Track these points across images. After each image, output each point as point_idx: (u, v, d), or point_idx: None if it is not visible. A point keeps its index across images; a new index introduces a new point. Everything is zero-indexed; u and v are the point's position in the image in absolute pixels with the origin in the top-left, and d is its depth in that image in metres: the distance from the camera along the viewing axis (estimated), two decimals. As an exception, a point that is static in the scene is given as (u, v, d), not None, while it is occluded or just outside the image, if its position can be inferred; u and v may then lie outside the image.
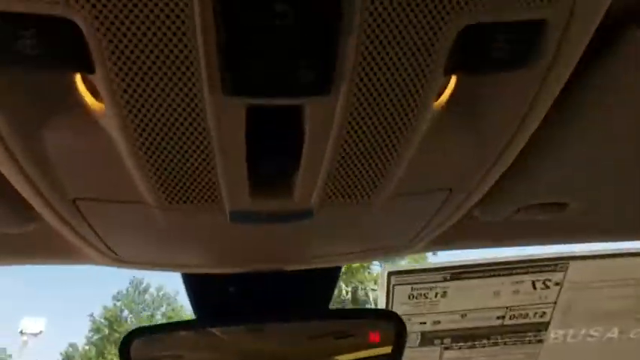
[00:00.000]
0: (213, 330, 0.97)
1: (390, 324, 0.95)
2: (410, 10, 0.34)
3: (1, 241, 0.68)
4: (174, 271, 0.87)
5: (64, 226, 0.57)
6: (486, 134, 0.49)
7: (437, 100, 0.44)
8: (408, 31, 0.35)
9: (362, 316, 1.09)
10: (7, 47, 0.33)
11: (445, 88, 0.44)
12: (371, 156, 0.45)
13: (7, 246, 0.71)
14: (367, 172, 0.48)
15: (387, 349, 0.94)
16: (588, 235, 0.92)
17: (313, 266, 0.82)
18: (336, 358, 0.96)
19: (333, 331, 0.99)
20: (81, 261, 0.79)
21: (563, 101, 0.47)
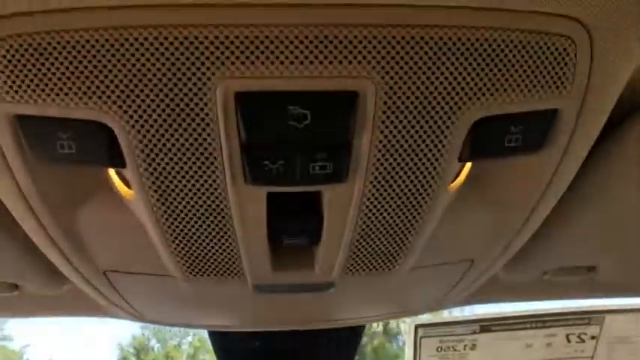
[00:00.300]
0: None
1: None
2: (422, 107, 0.35)
3: (31, 297, 0.70)
4: (199, 328, 0.88)
5: (94, 292, 0.59)
6: (505, 212, 0.48)
7: (453, 181, 0.44)
8: (420, 126, 0.36)
9: None
10: (46, 147, 0.35)
11: (461, 170, 0.44)
12: (389, 234, 0.46)
13: (36, 301, 0.73)
14: (386, 248, 0.48)
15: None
16: (619, 291, 0.90)
17: (336, 326, 0.82)
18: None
19: None
20: (108, 316, 0.81)
21: (582, 174, 0.46)
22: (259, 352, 0.93)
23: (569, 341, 1.50)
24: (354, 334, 0.98)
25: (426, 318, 1.43)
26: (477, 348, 1.45)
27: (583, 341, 1.50)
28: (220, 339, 0.94)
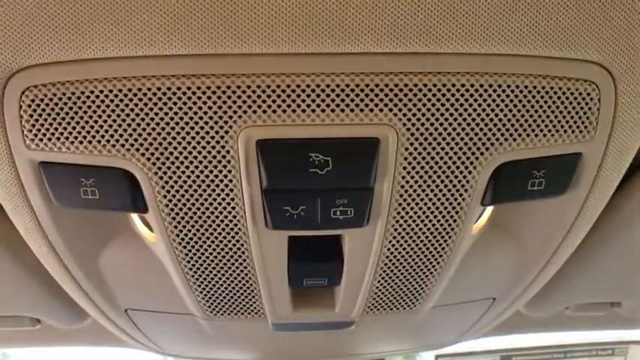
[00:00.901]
0: None
1: None
2: (444, 153, 0.34)
3: (54, 329, 0.70)
4: None
5: (116, 328, 0.59)
6: (527, 252, 0.48)
7: (476, 222, 0.44)
8: (443, 172, 0.35)
9: None
10: (69, 193, 0.35)
11: (483, 213, 0.44)
12: (411, 276, 0.45)
13: (58, 333, 0.74)
14: (408, 289, 0.47)
15: None
16: None
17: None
18: None
19: None
20: (129, 347, 0.81)
21: (605, 213, 0.46)
22: None
23: (592, 372, 1.47)
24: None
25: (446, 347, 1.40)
26: (497, 379, 1.42)
27: (607, 372, 1.47)
28: None
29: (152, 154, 0.33)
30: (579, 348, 1.46)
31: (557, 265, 0.50)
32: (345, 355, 0.77)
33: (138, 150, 0.33)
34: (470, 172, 0.35)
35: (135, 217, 0.43)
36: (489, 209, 0.44)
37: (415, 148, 0.34)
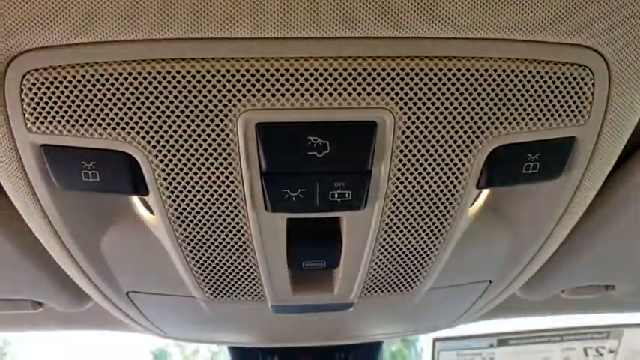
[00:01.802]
0: None
1: None
2: (440, 136, 0.35)
3: (56, 313, 0.71)
4: (220, 344, 0.88)
5: (117, 311, 0.59)
6: (522, 235, 0.48)
7: (472, 205, 0.44)
8: (438, 155, 0.36)
9: None
10: (71, 176, 0.36)
11: (479, 196, 0.44)
12: (408, 258, 0.46)
13: (60, 317, 0.74)
14: (405, 271, 0.48)
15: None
16: (638, 307, 0.88)
17: (355, 342, 0.82)
18: None
19: None
20: (131, 331, 0.82)
21: (599, 196, 0.46)
22: None
23: (587, 355, 1.48)
24: (373, 349, 0.97)
25: (444, 331, 1.42)
26: (493, 361, 1.44)
27: (601, 355, 1.48)
28: (241, 354, 0.94)
29: (152, 137, 0.33)
30: (574, 332, 1.47)
31: (552, 248, 0.50)
32: (343, 338, 0.78)
33: (138, 133, 0.33)
34: (466, 156, 0.36)
35: (136, 200, 0.43)
36: (485, 192, 0.44)
37: (412, 132, 0.34)
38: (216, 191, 0.37)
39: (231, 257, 0.43)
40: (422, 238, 0.43)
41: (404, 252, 0.45)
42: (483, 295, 0.61)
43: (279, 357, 0.92)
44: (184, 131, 0.33)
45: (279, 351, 0.92)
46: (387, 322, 0.69)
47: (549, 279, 0.66)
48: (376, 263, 0.46)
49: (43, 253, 0.47)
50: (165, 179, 0.36)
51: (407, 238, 0.43)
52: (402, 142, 0.35)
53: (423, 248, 0.44)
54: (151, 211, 0.43)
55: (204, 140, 0.34)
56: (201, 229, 0.40)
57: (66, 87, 0.31)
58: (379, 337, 0.84)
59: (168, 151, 0.34)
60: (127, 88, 0.31)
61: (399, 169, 0.36)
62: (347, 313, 0.60)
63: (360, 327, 0.72)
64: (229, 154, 0.35)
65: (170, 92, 0.32)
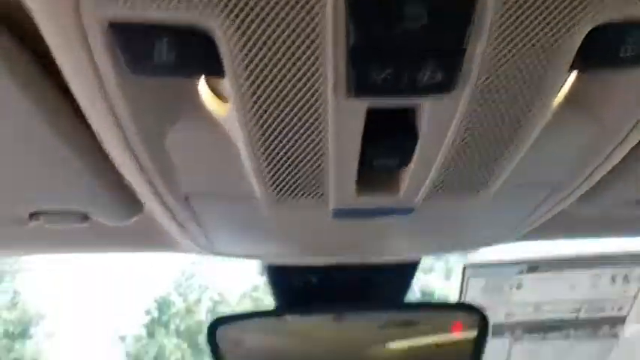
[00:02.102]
0: (291, 318, 1.00)
1: (469, 316, 0.96)
2: (542, 10, 0.33)
3: (101, 230, 0.69)
4: (261, 259, 0.89)
5: (170, 220, 0.58)
6: (601, 132, 0.48)
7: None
8: (537, 32, 0.34)
9: (438, 308, 1.09)
10: (142, 56, 0.34)
11: (564, 84, 0.43)
12: (486, 153, 0.45)
13: (105, 235, 0.73)
14: (479, 168, 0.47)
15: (467, 341, 0.94)
16: None
17: (397, 260, 0.83)
18: (414, 348, 0.97)
19: (409, 322, 1.00)
20: (173, 250, 0.81)
21: None
22: (313, 288, 0.95)
23: (614, 281, 1.50)
24: (408, 271, 0.98)
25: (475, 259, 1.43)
26: (522, 288, 1.46)
27: (628, 282, 1.51)
28: (277, 275, 0.95)
29: (231, 10, 0.30)
30: (603, 259, 1.49)
31: (624, 151, 0.49)
32: (395, 252, 0.79)
33: (217, 5, 0.30)
34: (566, 31, 0.34)
35: (205, 92, 0.41)
36: (568, 85, 0.42)
37: (511, 6, 0.31)
38: (298, 70, 0.34)
39: (302, 148, 0.42)
40: (502, 129, 0.42)
41: (481, 146, 0.44)
42: (544, 202, 0.61)
43: (316, 278, 0.94)
44: (267, 2, 0.30)
45: (315, 271, 0.93)
46: (436, 236, 0.69)
47: (607, 190, 0.66)
48: (451, 159, 0.45)
49: (98, 153, 0.45)
50: (245, 57, 0.33)
51: (487, 130, 0.42)
52: (502, 15, 0.32)
53: (502, 141, 0.43)
54: (222, 100, 0.40)
55: (288, 13, 0.31)
56: (278, 115, 0.38)
57: None
58: (421, 254, 0.85)
59: (248, 26, 0.32)
60: None
61: (495, 48, 0.35)
62: (403, 226, 0.60)
63: (411, 241, 0.72)
64: (314, 29, 0.32)
65: None
